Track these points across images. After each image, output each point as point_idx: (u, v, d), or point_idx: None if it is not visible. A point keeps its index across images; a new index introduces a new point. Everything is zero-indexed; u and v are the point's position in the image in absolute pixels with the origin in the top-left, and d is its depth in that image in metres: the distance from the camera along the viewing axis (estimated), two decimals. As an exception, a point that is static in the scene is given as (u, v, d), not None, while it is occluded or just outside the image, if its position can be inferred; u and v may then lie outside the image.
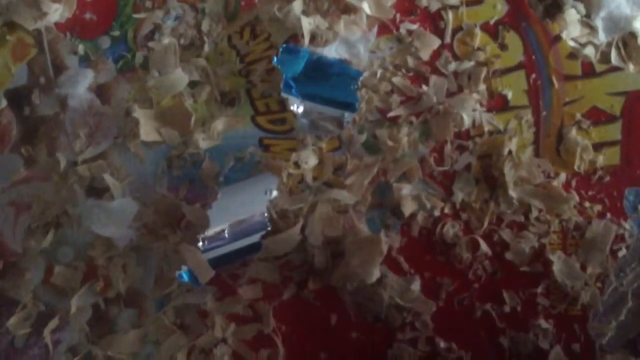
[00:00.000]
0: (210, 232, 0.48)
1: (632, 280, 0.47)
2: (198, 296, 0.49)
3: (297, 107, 0.50)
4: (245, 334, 0.49)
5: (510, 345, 0.47)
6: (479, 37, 0.51)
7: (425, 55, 0.51)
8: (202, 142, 0.51)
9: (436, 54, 0.51)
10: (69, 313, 0.49)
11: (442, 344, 0.47)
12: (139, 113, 0.51)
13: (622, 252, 0.47)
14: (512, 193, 0.48)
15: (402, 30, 0.52)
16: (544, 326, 0.47)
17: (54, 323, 0.50)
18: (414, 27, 0.51)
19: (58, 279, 0.50)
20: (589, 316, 0.47)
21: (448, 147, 0.50)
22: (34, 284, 0.51)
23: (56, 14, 0.54)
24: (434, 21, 0.52)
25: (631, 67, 0.50)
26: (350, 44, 0.51)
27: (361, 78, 0.50)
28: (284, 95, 0.51)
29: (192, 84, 0.52)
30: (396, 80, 0.51)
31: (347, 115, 0.50)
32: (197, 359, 0.48)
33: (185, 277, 0.48)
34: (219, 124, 0.51)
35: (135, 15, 0.54)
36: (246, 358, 0.48)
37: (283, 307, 0.49)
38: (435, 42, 0.51)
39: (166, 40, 0.53)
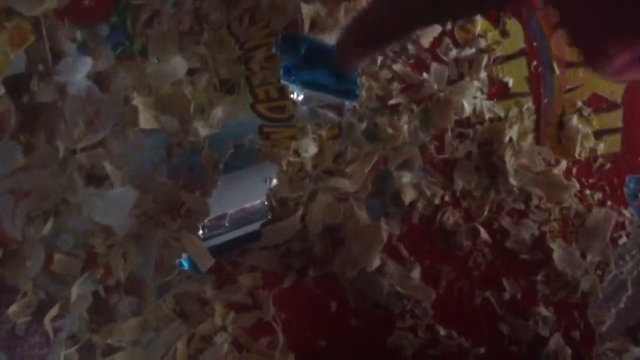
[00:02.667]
0: (210, 220, 0.48)
1: (632, 268, 0.47)
2: (198, 284, 0.49)
3: (297, 95, 0.50)
4: (245, 322, 0.49)
5: (510, 332, 0.47)
6: (480, 24, 0.51)
7: (426, 42, 0.51)
8: (202, 129, 0.51)
9: (437, 41, 0.51)
10: (70, 301, 0.50)
11: (442, 331, 0.47)
12: (137, 101, 0.51)
13: (623, 240, 0.47)
14: (513, 181, 0.48)
15: None
16: (544, 313, 0.47)
17: (54, 311, 0.50)
18: None
19: (58, 267, 0.50)
20: (589, 304, 0.47)
21: (448, 135, 0.49)
22: (34, 272, 0.51)
23: (54, 1, 0.53)
24: (434, 8, 0.51)
25: (633, 54, 0.49)
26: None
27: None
28: (283, 82, 0.50)
29: (191, 71, 0.52)
30: (397, 67, 0.50)
31: (348, 103, 0.50)
32: (197, 347, 0.48)
33: (186, 265, 0.48)
34: (218, 112, 0.51)
35: (134, 2, 0.53)
36: (246, 345, 0.48)
37: (283, 294, 0.49)
38: (436, 29, 0.51)
39: (165, 27, 0.52)
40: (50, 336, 0.50)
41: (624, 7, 0.21)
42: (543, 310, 0.47)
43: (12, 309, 0.50)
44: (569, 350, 0.46)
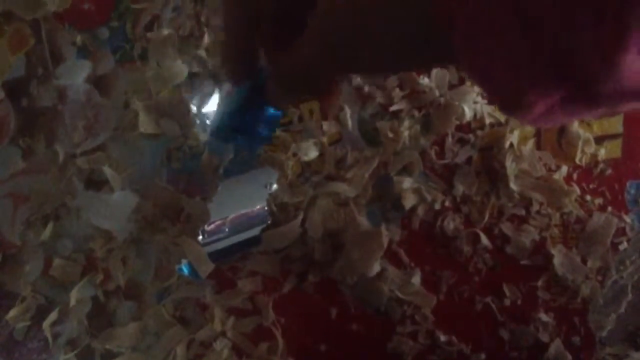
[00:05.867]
0: (210, 225, 0.47)
1: (632, 274, 0.47)
2: (197, 289, 0.49)
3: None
4: (244, 327, 0.49)
5: (510, 338, 0.47)
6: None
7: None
8: (202, 134, 0.50)
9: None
10: (69, 306, 0.49)
11: (442, 337, 0.47)
12: (137, 105, 0.51)
13: (623, 246, 0.47)
14: (513, 186, 0.47)
15: None
16: (544, 319, 0.47)
17: (53, 316, 0.50)
18: None
19: (57, 272, 0.50)
20: (589, 309, 0.47)
21: (449, 140, 0.49)
22: (34, 277, 0.51)
23: (54, 4, 0.53)
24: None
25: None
26: None
27: None
28: None
29: (192, 76, 0.52)
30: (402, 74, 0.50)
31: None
32: (197, 352, 0.48)
33: (185, 271, 0.48)
34: (218, 116, 0.51)
35: (134, 6, 0.53)
36: (246, 351, 0.48)
37: (283, 299, 0.49)
38: None
39: (165, 31, 0.52)
40: (50, 341, 0.50)
41: (538, 55, 0.19)
42: (543, 316, 0.47)
43: (11, 313, 0.50)
44: (569, 356, 0.46)
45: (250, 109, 0.32)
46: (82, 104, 0.52)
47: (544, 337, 0.46)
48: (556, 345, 0.46)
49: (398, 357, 0.47)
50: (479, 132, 0.49)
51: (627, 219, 0.47)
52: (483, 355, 0.47)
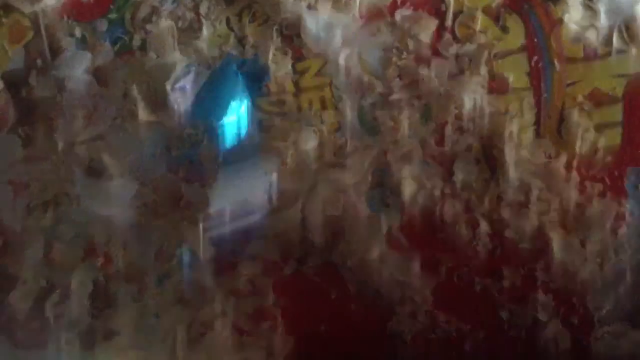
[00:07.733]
0: (211, 211, 0.47)
1: (630, 257, 0.47)
2: (198, 273, 0.49)
3: None
4: (245, 308, 0.48)
5: (509, 317, 0.47)
6: (481, 20, 0.51)
7: (426, 37, 0.51)
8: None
9: (437, 37, 0.51)
10: (70, 287, 0.49)
11: (442, 317, 0.47)
12: (137, 95, 0.50)
13: (622, 230, 0.47)
14: (513, 173, 0.48)
15: (397, 17, 0.51)
16: (542, 299, 0.47)
17: (55, 297, 0.50)
18: (408, 12, 0.51)
19: (58, 256, 0.50)
20: (588, 292, 0.47)
21: (449, 128, 0.49)
22: (34, 261, 0.51)
23: (53, -3, 0.53)
24: (435, 4, 0.52)
25: (633, 49, 0.50)
26: (330, 25, 0.51)
27: None
28: None
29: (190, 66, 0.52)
30: (402, 63, 0.50)
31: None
32: (198, 332, 0.48)
33: (186, 257, 0.48)
34: (218, 105, 0.51)
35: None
36: (246, 330, 0.48)
37: (283, 282, 0.49)
38: (433, 23, 0.51)
39: (164, 23, 0.52)
40: (51, 322, 0.50)
41: None
42: (542, 296, 0.47)
43: (13, 295, 0.50)
44: (567, 334, 0.46)
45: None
46: (82, 95, 0.52)
47: (543, 317, 0.47)
48: (554, 324, 0.46)
49: (397, 336, 0.47)
50: (479, 121, 0.49)
51: (627, 204, 0.47)
52: (482, 334, 0.47)
